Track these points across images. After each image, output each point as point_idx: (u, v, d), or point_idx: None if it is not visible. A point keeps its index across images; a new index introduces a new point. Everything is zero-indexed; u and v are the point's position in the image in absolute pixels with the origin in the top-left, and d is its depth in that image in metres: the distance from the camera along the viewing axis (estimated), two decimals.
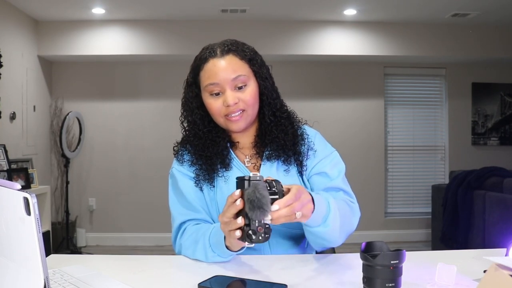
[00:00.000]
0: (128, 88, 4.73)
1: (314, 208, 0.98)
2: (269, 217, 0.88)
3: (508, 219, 2.97)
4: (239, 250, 1.03)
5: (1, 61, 3.52)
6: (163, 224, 4.39)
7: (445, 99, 5.02)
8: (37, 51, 4.32)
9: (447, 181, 4.40)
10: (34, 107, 4.24)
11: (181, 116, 1.28)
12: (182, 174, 1.24)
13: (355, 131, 4.83)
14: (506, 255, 0.95)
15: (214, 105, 1.19)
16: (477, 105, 5.01)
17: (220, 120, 1.20)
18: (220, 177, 1.20)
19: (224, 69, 1.16)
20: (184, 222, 1.20)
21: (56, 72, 4.70)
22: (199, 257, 1.10)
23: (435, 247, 4.05)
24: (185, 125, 1.27)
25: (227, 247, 1.02)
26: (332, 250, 1.35)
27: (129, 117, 4.73)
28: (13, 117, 3.80)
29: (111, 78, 4.73)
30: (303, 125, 1.30)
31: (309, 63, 4.72)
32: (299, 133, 1.25)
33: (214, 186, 1.20)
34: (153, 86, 4.75)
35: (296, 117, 1.29)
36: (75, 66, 4.70)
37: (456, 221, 3.54)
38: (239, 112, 1.18)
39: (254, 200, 0.85)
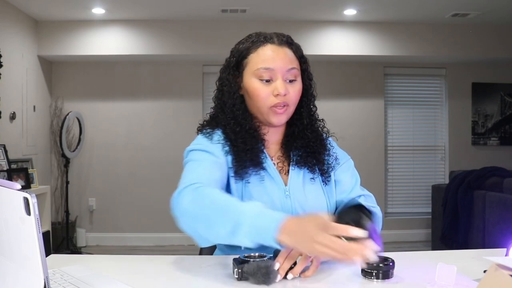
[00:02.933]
0: (128, 88, 4.73)
1: None
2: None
3: (508, 219, 2.97)
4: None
5: (1, 61, 3.52)
6: (163, 224, 4.40)
7: (445, 99, 5.02)
8: (37, 51, 4.32)
9: (447, 181, 4.40)
10: (34, 107, 4.24)
11: (214, 97, 1.21)
12: (206, 152, 1.10)
13: (355, 131, 4.83)
14: (506, 255, 0.95)
15: (263, 91, 1.13)
16: (477, 105, 5.01)
17: (264, 110, 1.14)
18: (255, 175, 1.13)
19: (282, 58, 1.14)
20: (198, 182, 0.99)
21: (56, 72, 4.70)
22: (219, 232, 0.89)
23: (435, 247, 4.05)
24: (220, 106, 1.19)
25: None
26: None
27: (129, 117, 4.73)
28: (13, 117, 3.80)
29: (111, 78, 4.73)
30: (329, 136, 1.29)
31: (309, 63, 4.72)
32: (328, 146, 1.24)
33: (247, 181, 1.12)
34: (153, 86, 4.75)
35: (325, 126, 1.27)
36: (75, 66, 4.70)
37: (456, 221, 3.54)
38: (284, 106, 1.14)
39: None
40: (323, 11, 4.21)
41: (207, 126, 1.21)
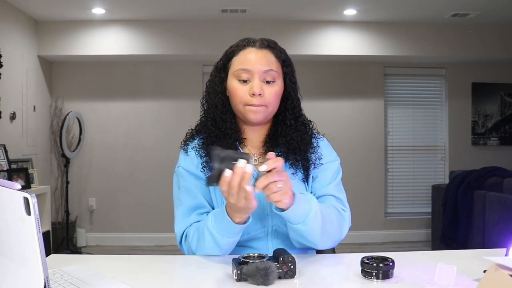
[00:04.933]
0: (128, 88, 4.73)
1: (294, 197, 1.02)
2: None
3: (508, 219, 2.97)
4: (246, 222, 1.06)
5: (1, 61, 3.52)
6: (163, 224, 4.40)
7: (445, 99, 5.02)
8: (37, 51, 4.32)
9: (447, 181, 4.40)
10: (34, 107, 4.24)
11: (202, 98, 1.28)
12: (188, 172, 1.23)
13: (355, 131, 4.83)
14: (506, 255, 0.95)
15: (240, 90, 1.19)
16: (477, 105, 5.01)
17: (240, 107, 1.20)
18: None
19: (259, 59, 1.19)
20: (187, 227, 1.20)
21: (56, 72, 4.70)
22: (212, 250, 1.10)
23: (435, 247, 4.05)
24: (205, 107, 1.27)
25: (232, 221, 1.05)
26: (332, 250, 1.35)
27: (129, 117, 4.73)
28: (13, 117, 3.80)
29: (111, 78, 4.73)
30: (320, 137, 1.30)
31: (309, 63, 4.72)
32: (314, 144, 1.26)
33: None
34: (153, 86, 4.75)
35: (314, 128, 1.30)
36: (75, 66, 4.70)
37: (456, 221, 3.54)
38: (260, 106, 1.19)
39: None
40: (323, 11, 4.21)
41: (190, 134, 1.28)
